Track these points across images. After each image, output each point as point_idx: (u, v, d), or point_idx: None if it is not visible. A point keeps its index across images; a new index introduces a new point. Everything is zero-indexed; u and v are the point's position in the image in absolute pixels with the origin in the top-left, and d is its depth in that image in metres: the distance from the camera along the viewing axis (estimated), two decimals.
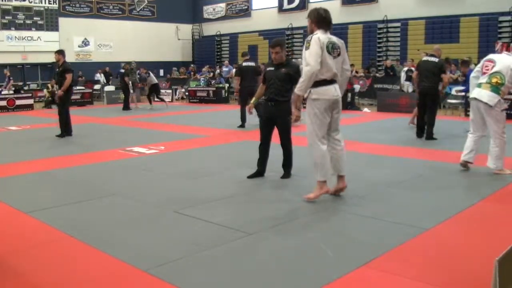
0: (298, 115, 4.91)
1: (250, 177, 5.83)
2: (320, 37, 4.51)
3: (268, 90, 5.78)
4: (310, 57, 4.46)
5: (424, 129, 9.01)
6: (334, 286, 2.95)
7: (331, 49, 4.56)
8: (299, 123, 5.24)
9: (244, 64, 11.19)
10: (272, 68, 5.80)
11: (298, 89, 4.61)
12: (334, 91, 4.64)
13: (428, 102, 8.98)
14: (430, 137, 8.90)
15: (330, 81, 4.61)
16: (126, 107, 16.51)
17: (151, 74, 17.34)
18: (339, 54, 4.65)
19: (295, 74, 5.68)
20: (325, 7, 4.85)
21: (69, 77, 9.55)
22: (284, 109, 5.64)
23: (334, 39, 4.67)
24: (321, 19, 4.64)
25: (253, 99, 6.29)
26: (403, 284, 2.98)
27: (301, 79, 4.59)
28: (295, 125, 5.59)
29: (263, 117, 5.91)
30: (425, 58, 9.40)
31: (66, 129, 9.85)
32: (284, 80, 5.66)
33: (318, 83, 4.55)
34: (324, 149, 4.67)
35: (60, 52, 9.84)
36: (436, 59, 9.03)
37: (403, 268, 3.17)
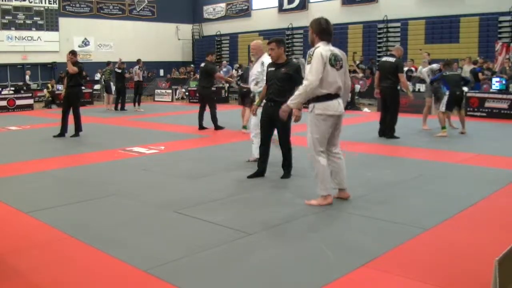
0: (299, 115, 4.91)
1: (250, 177, 5.83)
2: (322, 52, 4.45)
3: (268, 91, 5.77)
4: (311, 72, 4.43)
5: (387, 128, 9.16)
6: (334, 286, 2.95)
7: (334, 61, 4.51)
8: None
9: (201, 64, 11.62)
10: (273, 68, 5.78)
11: (291, 102, 4.58)
12: (338, 106, 4.58)
13: (388, 102, 9.16)
14: (391, 135, 9.01)
15: (334, 96, 4.56)
16: (122, 107, 16.47)
17: (134, 70, 16.67)
18: (341, 66, 4.60)
19: (295, 73, 5.65)
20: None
21: (78, 68, 9.80)
22: None
23: (337, 51, 4.63)
24: (323, 30, 4.59)
25: (257, 100, 6.28)
26: (403, 284, 2.98)
27: (296, 92, 4.57)
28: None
29: (264, 117, 5.89)
30: (384, 59, 9.56)
31: (78, 128, 9.95)
32: (284, 80, 5.63)
33: (322, 98, 4.51)
34: (324, 163, 4.62)
35: (75, 53, 10.15)
36: (393, 59, 9.13)
37: (403, 268, 3.17)
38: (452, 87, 9.24)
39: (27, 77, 22.06)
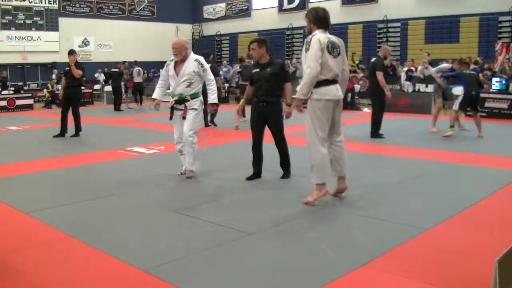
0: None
1: (248, 179, 5.79)
2: (319, 38, 4.46)
3: (258, 92, 5.69)
4: (310, 59, 4.42)
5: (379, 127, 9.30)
6: (334, 286, 2.95)
7: (331, 48, 4.51)
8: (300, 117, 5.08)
9: None
10: (258, 70, 5.73)
11: (300, 93, 4.54)
12: (336, 91, 4.59)
13: (372, 101, 9.44)
14: (375, 135, 9.08)
15: (332, 81, 4.56)
16: (118, 108, 16.45)
17: (135, 71, 16.78)
18: (339, 54, 4.59)
19: (281, 71, 5.65)
20: (325, 7, 4.82)
21: (81, 71, 9.82)
22: (275, 109, 5.62)
23: (334, 38, 4.62)
24: (319, 19, 4.60)
25: (242, 101, 6.21)
26: (403, 284, 2.98)
27: (302, 83, 4.56)
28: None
29: (254, 117, 5.81)
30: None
31: (78, 128, 9.96)
32: (271, 80, 5.59)
33: (319, 83, 4.50)
34: (324, 152, 4.59)
35: (76, 53, 10.19)
36: (374, 59, 9.35)
37: (403, 268, 3.17)
38: (468, 86, 9.12)
39: (53, 75, 22.02)
